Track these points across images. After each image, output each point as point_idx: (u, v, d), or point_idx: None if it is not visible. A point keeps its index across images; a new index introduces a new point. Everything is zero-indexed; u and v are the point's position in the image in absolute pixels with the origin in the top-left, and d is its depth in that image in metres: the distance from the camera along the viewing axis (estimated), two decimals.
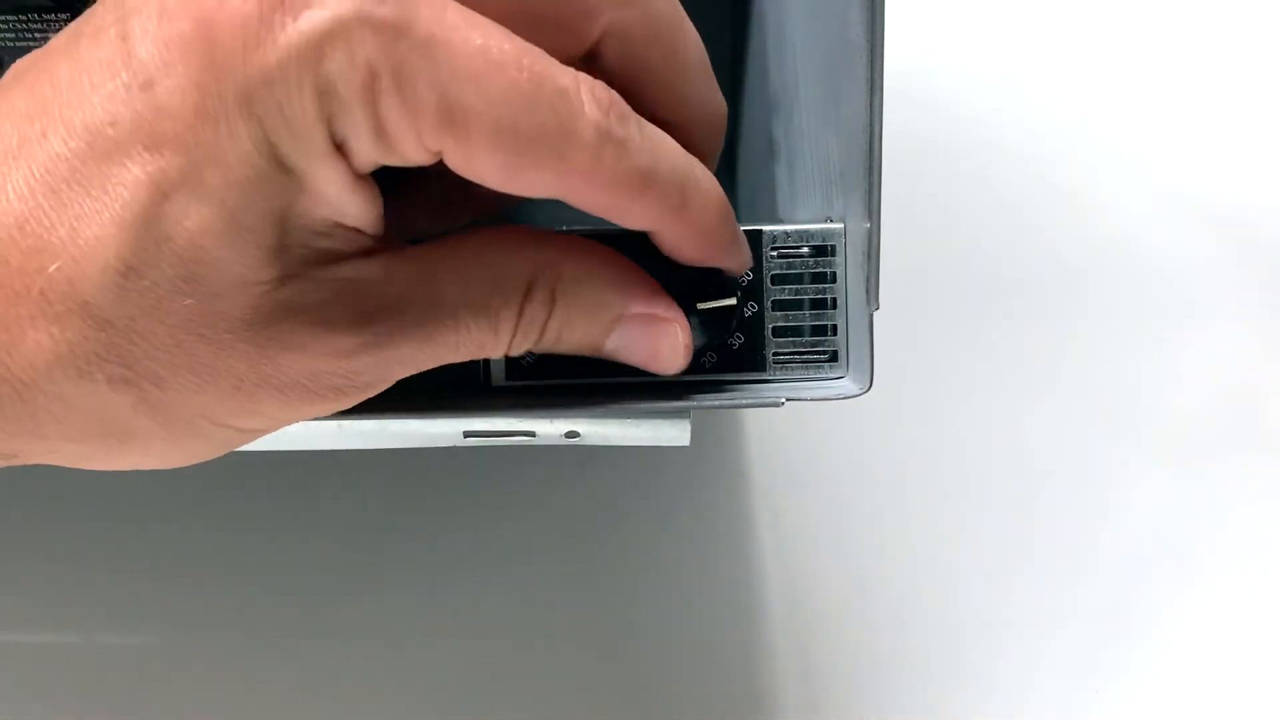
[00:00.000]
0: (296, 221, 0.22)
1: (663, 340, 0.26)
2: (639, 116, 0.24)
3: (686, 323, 0.27)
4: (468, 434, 0.29)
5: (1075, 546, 0.44)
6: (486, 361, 0.29)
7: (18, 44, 0.32)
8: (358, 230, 0.23)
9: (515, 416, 0.29)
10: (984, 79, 0.50)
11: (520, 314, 0.25)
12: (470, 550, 0.42)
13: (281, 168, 0.21)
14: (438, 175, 0.28)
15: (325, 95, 0.21)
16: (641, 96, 0.27)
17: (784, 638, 0.42)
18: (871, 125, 0.26)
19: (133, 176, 0.21)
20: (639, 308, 0.26)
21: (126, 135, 0.21)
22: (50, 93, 0.22)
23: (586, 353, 0.26)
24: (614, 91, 0.23)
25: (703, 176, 0.25)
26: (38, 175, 0.21)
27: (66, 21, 0.28)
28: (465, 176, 0.23)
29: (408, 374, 0.24)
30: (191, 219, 0.21)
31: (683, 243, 0.25)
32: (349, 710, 0.41)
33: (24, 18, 0.32)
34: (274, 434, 0.29)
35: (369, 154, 0.22)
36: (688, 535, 0.43)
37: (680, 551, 0.43)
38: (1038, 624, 0.43)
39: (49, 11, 0.32)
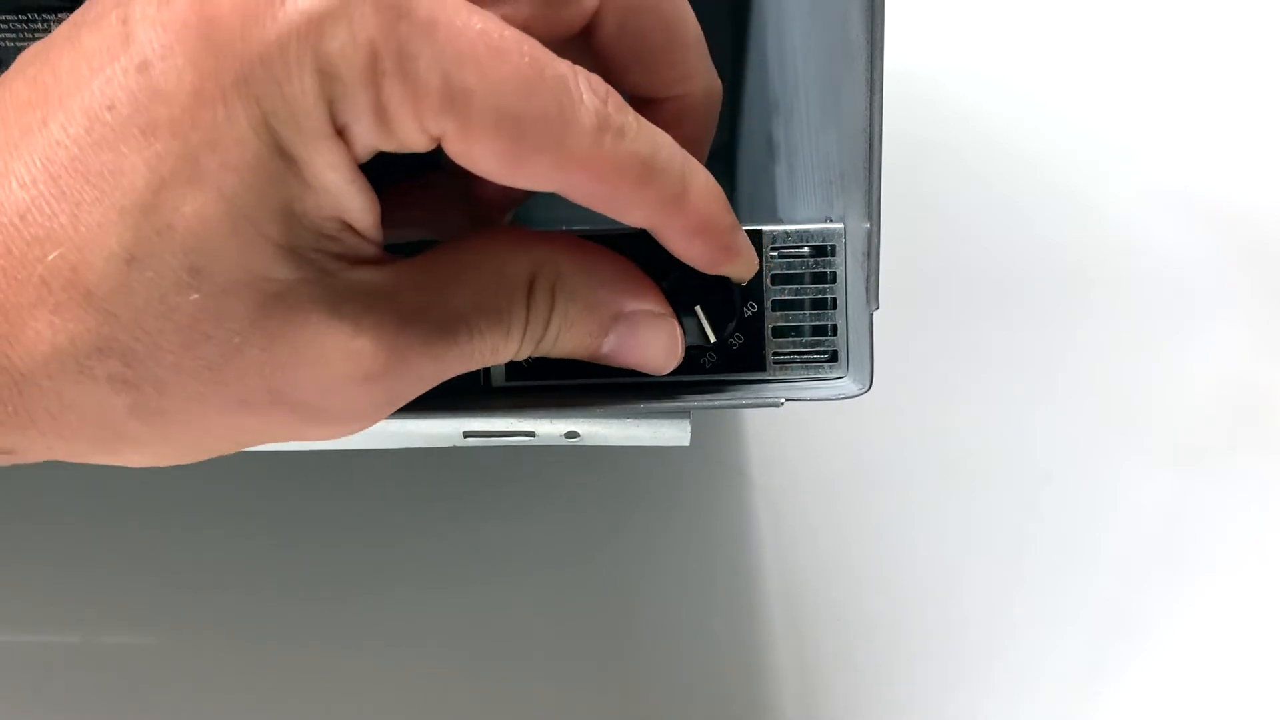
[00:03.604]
0: (302, 218, 0.22)
1: (657, 339, 0.26)
2: (635, 111, 0.23)
3: (678, 321, 0.27)
4: (467, 434, 0.29)
5: (1075, 546, 0.44)
6: None
7: (18, 44, 0.32)
8: (361, 235, 0.23)
9: (515, 416, 0.29)
10: (984, 78, 0.50)
11: (528, 312, 0.24)
12: (470, 550, 0.42)
13: (280, 153, 0.21)
14: (432, 184, 0.28)
15: (327, 77, 0.21)
16: (639, 71, 0.27)
17: (784, 637, 0.42)
18: (871, 125, 0.26)
19: (130, 163, 0.21)
20: (635, 304, 0.26)
21: (124, 120, 0.21)
22: (50, 80, 0.21)
23: (584, 356, 0.26)
24: (609, 85, 0.23)
25: (698, 168, 0.24)
26: (38, 164, 0.21)
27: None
28: (465, 166, 0.22)
29: (420, 392, 0.24)
30: (190, 207, 0.21)
31: (685, 237, 0.25)
32: (349, 710, 0.41)
33: (24, 17, 0.32)
34: None
35: (369, 139, 0.22)
36: (688, 535, 0.43)
37: (680, 551, 0.43)
38: (1038, 624, 0.43)
39: (50, 11, 0.32)
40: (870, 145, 0.27)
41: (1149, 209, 0.48)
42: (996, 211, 0.48)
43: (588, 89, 0.22)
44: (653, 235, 0.25)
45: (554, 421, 0.29)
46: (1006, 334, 0.46)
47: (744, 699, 0.42)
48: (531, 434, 0.29)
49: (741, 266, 0.26)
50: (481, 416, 0.28)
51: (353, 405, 0.23)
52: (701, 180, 0.24)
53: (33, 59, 0.22)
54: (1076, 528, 0.44)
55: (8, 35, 0.32)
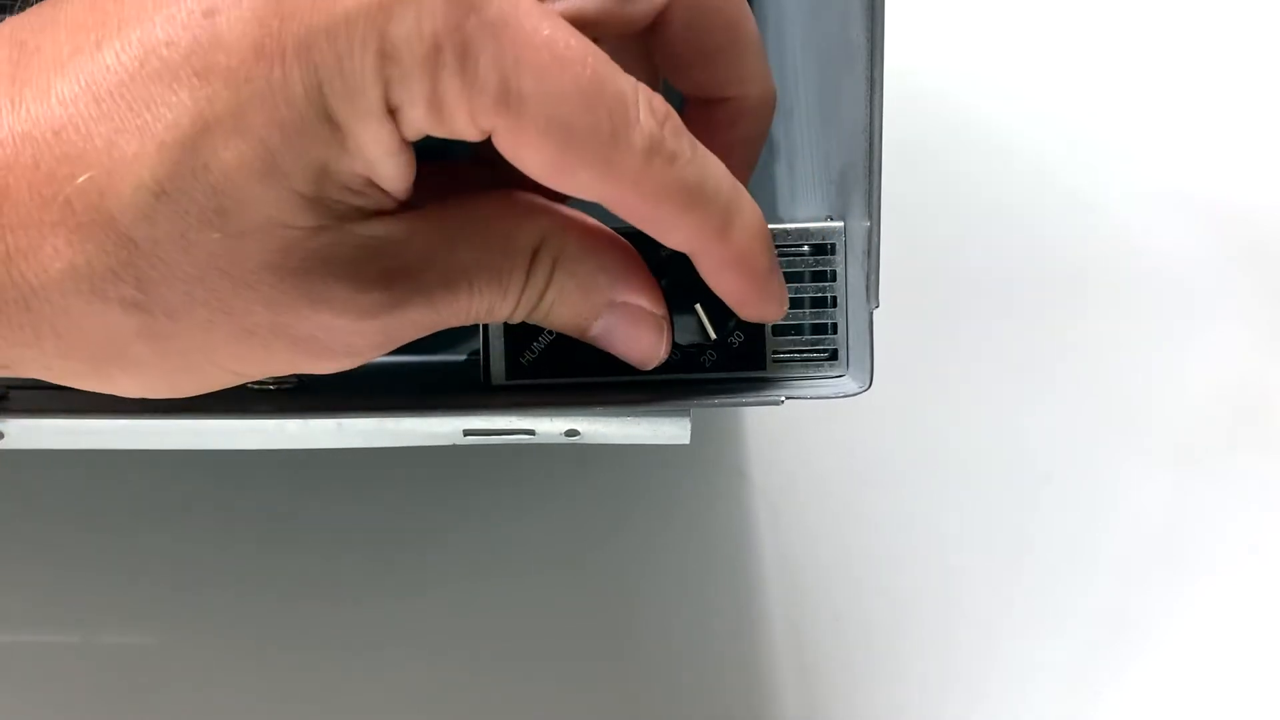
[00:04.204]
0: (334, 175, 0.22)
1: (643, 335, 0.27)
2: (692, 135, 0.24)
3: (669, 321, 0.27)
4: (467, 432, 0.29)
5: (1075, 546, 0.44)
6: (487, 360, 0.29)
7: None
8: (387, 193, 0.23)
9: (515, 415, 0.29)
10: (984, 78, 0.50)
11: (527, 277, 0.25)
12: (469, 550, 0.42)
13: (327, 120, 0.22)
14: (468, 170, 0.28)
15: (387, 59, 0.21)
16: (700, 70, 0.27)
17: (783, 637, 0.42)
18: (871, 125, 0.26)
19: (179, 100, 0.21)
20: (630, 297, 0.26)
21: (180, 59, 0.21)
22: (112, 7, 0.22)
23: (571, 332, 0.26)
24: (671, 108, 0.23)
25: (747, 203, 0.25)
26: (83, 84, 0.21)
27: None
28: (512, 163, 0.23)
29: (415, 337, 0.25)
30: (230, 153, 0.21)
31: (723, 268, 0.25)
32: (348, 710, 0.41)
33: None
34: (274, 433, 0.29)
35: (420, 123, 0.22)
36: (687, 535, 0.43)
37: (680, 551, 0.43)
38: (1038, 624, 0.43)
39: None
40: (870, 144, 0.27)
41: (1148, 209, 0.48)
42: (997, 211, 0.48)
43: (647, 110, 0.23)
44: (691, 260, 0.25)
45: (554, 419, 0.29)
46: (1006, 333, 0.46)
47: (744, 699, 0.42)
48: (531, 432, 0.29)
49: (770, 309, 0.27)
50: (482, 415, 0.29)
51: (350, 343, 0.24)
52: (747, 216, 0.25)
53: None
54: (1076, 528, 0.44)
55: None
